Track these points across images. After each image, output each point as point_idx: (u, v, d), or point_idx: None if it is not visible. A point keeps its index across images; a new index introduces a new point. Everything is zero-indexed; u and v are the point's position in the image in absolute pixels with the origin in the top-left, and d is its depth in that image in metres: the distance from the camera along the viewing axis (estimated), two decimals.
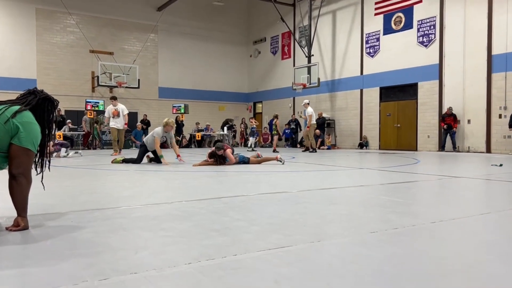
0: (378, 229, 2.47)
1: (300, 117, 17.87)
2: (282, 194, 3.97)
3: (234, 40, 24.30)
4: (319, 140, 17.81)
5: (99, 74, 18.61)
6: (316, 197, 3.78)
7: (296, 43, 20.53)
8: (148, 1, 21.28)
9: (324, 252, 2.01)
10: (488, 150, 13.41)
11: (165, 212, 3.01)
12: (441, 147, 14.22)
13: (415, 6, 15.61)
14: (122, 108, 11.79)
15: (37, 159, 2.64)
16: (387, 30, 16.59)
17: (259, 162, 7.85)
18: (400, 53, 16.06)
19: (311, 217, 2.84)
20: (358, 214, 2.98)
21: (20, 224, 2.39)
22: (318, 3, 19.15)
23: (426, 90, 15.28)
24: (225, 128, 19.76)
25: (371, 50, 17.30)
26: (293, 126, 19.96)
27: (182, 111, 18.74)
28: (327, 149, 17.39)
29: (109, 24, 20.44)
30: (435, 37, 14.87)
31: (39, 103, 2.56)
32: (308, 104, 13.96)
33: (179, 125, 19.34)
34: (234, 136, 21.36)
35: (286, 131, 20.20)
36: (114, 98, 11.95)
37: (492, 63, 13.31)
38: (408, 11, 15.85)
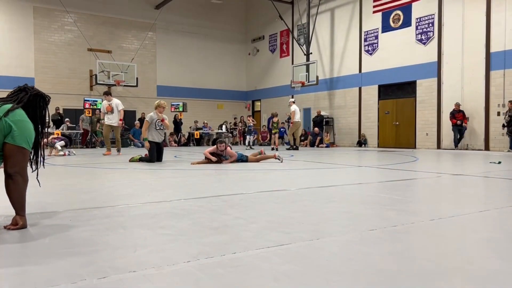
0: (377, 226, 2.47)
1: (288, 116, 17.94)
2: (281, 192, 3.97)
3: (232, 38, 24.27)
4: (318, 138, 17.81)
5: (97, 73, 18.57)
6: (315, 195, 3.78)
7: (294, 41, 20.52)
8: None
9: (323, 250, 2.00)
10: (487, 147, 13.43)
11: (164, 210, 3.01)
12: (455, 145, 13.82)
13: (413, 4, 15.60)
14: (117, 103, 10.79)
15: (31, 157, 2.63)
16: (386, 28, 16.59)
17: (257, 160, 7.86)
18: (399, 51, 16.06)
19: (310, 215, 2.84)
20: (357, 211, 2.98)
21: (19, 222, 2.38)
22: (317, 1, 19.13)
23: (425, 88, 15.29)
24: (223, 126, 19.75)
25: (369, 48, 17.29)
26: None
27: (181, 109, 18.72)
28: (326, 147, 17.39)
29: (107, 22, 20.39)
30: (433, 34, 14.88)
31: (30, 99, 2.54)
32: (294, 102, 14.49)
33: (178, 124, 19.33)
34: (232, 134, 21.35)
35: (281, 129, 20.16)
36: (107, 93, 11.01)
37: (490, 61, 13.31)
38: (406, 9, 15.84)
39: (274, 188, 4.29)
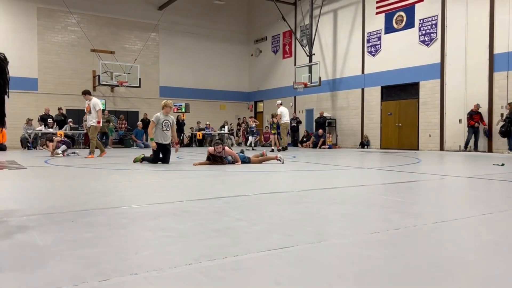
0: (379, 229, 2.46)
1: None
2: (283, 194, 3.96)
3: (235, 39, 24.28)
4: (321, 140, 17.79)
5: (100, 73, 18.61)
6: (317, 196, 3.77)
7: (297, 42, 20.51)
8: (149, 0, 21.29)
9: (325, 253, 2.00)
10: (490, 149, 13.38)
11: (165, 212, 3.01)
12: (474, 148, 13.53)
13: (416, 5, 15.57)
14: (94, 103, 10.09)
15: None
16: (389, 29, 16.56)
17: (260, 162, 7.87)
18: (402, 52, 16.02)
19: (312, 217, 2.83)
20: (359, 214, 2.97)
21: None
22: (320, 2, 19.11)
23: (428, 89, 15.24)
24: (225, 127, 19.75)
25: (372, 49, 17.26)
26: (293, 124, 19.91)
27: (183, 110, 18.74)
28: (328, 148, 17.37)
29: (110, 23, 20.44)
30: (436, 36, 14.84)
31: None
32: (281, 104, 14.92)
33: (180, 124, 19.35)
34: (236, 134, 21.35)
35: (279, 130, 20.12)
36: (85, 93, 10.25)
37: (494, 62, 13.26)
38: (409, 10, 15.81)
39: (276, 189, 4.28)
